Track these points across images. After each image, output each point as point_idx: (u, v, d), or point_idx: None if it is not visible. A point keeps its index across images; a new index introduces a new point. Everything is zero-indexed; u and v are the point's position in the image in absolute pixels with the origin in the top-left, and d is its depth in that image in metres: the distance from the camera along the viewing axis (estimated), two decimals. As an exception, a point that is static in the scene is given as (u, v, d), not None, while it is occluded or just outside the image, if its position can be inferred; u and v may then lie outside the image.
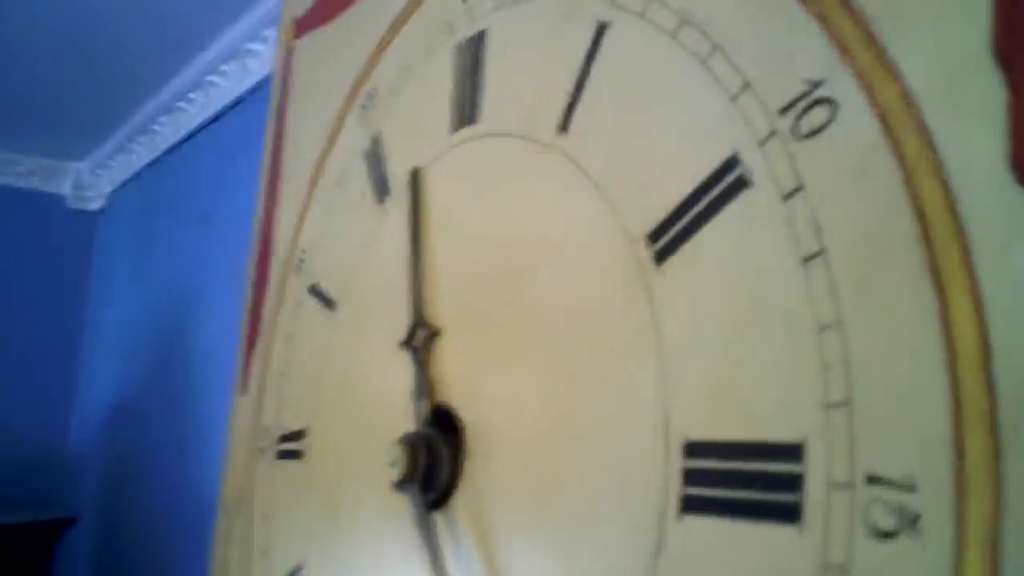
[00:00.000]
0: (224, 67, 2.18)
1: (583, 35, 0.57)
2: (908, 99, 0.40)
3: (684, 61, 0.50)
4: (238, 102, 2.17)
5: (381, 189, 0.74)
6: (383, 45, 0.77)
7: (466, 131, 0.65)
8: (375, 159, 0.75)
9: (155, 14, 1.98)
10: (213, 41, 2.15)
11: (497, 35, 0.64)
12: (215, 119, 2.27)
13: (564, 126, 0.57)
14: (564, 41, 0.58)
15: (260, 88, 2.06)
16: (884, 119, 0.41)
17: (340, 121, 0.82)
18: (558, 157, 0.56)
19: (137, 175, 2.68)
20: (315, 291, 0.82)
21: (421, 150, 0.70)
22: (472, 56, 0.66)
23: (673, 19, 0.51)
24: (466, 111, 0.65)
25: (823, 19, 0.44)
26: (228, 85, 2.21)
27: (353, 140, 0.80)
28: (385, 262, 0.72)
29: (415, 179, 0.69)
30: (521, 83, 0.61)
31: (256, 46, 2.06)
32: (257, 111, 2.04)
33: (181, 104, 2.38)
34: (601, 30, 0.56)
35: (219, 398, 1.87)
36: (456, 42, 0.68)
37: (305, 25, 0.92)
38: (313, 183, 0.86)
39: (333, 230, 0.81)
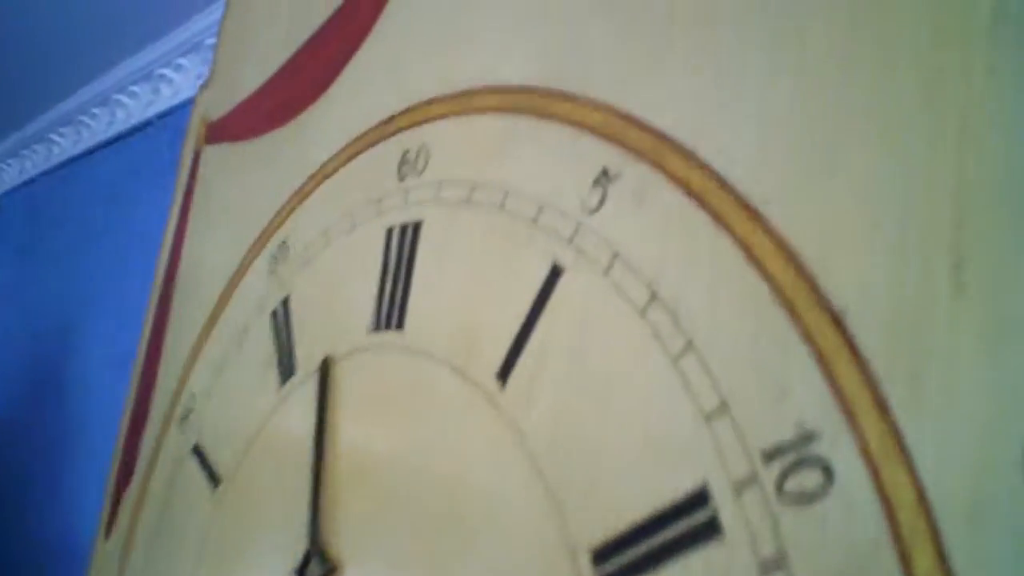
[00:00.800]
0: (134, 88, 2.05)
1: (533, 271, 0.49)
2: (923, 498, 0.33)
3: (651, 350, 0.43)
4: (145, 126, 2.05)
5: (286, 366, 0.65)
6: (302, 194, 0.68)
7: (390, 336, 0.57)
8: (282, 327, 0.66)
9: (67, 21, 1.85)
10: (125, 59, 2.02)
11: (434, 232, 0.56)
12: (118, 139, 2.13)
13: (503, 376, 0.49)
14: (510, 269, 0.51)
15: (170, 115, 1.96)
16: (891, 513, 0.34)
17: (247, 264, 0.73)
18: (494, 415, 0.49)
19: (29, 182, 2.51)
20: (199, 454, 0.72)
21: (335, 337, 0.61)
22: (403, 249, 0.58)
23: (643, 293, 0.44)
24: (392, 312, 0.57)
25: (823, 362, 0.37)
26: (136, 107, 2.09)
27: (260, 292, 0.70)
28: (281, 455, 0.63)
29: (325, 371, 0.60)
30: (458, 301, 0.53)
31: (169, 72, 1.95)
32: (164, 139, 1.92)
33: (83, 118, 2.23)
34: (556, 273, 0.48)
35: (96, 436, 1.74)
36: (386, 224, 0.59)
37: (217, 133, 0.82)
38: (212, 322, 0.76)
39: (228, 388, 0.71)
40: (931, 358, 0.35)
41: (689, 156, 0.44)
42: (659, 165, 0.45)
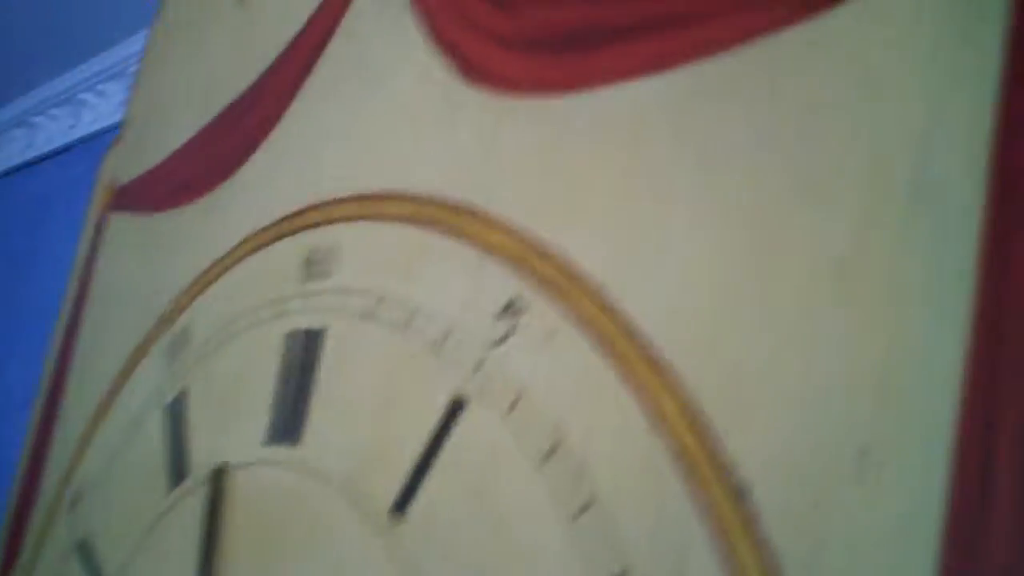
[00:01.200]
0: (54, 111, 1.99)
1: (436, 401, 0.47)
2: None
3: (550, 505, 0.41)
4: (65, 149, 1.99)
5: (178, 468, 0.61)
6: (204, 281, 0.65)
7: (286, 451, 0.54)
8: (177, 424, 0.63)
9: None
10: (46, 82, 1.95)
11: (336, 344, 0.53)
12: (36, 162, 2.06)
13: (400, 509, 0.46)
14: (413, 396, 0.48)
15: (92, 140, 1.90)
16: None
17: (145, 347, 0.69)
18: (387, 553, 0.46)
19: (-55, 200, 2.40)
20: (85, 550, 0.67)
21: (230, 444, 0.58)
22: (304, 357, 0.55)
23: (546, 440, 0.42)
24: (288, 424, 0.54)
25: (724, 539, 0.35)
26: (56, 129, 2.02)
27: (156, 381, 0.67)
28: (168, 565, 0.59)
29: (217, 482, 0.57)
30: (357, 425, 0.50)
31: (91, 97, 1.89)
32: (84, 164, 1.86)
33: (0, 139, 2.15)
34: (458, 405, 0.46)
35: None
36: (288, 327, 0.57)
37: (123, 201, 0.78)
38: (106, 403, 0.71)
39: (119, 481, 0.67)
40: (832, 544, 0.33)
41: (599, 297, 0.42)
42: (568, 303, 0.43)
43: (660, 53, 0.41)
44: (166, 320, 0.67)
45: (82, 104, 1.91)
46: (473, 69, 0.50)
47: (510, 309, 0.45)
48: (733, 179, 0.38)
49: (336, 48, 0.59)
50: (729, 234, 0.38)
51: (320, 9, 0.60)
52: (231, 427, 0.58)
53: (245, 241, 0.63)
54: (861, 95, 0.35)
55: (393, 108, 0.55)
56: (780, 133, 0.37)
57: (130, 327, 0.71)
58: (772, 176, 0.37)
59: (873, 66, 0.35)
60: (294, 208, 0.60)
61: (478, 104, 0.50)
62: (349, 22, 0.58)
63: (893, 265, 0.33)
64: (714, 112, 0.39)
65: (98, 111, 1.91)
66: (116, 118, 1.75)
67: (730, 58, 0.39)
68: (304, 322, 0.56)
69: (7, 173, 2.13)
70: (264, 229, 0.62)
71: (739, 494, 0.35)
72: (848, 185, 0.35)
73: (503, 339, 0.45)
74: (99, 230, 0.81)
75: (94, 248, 0.81)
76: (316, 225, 0.57)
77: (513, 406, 0.43)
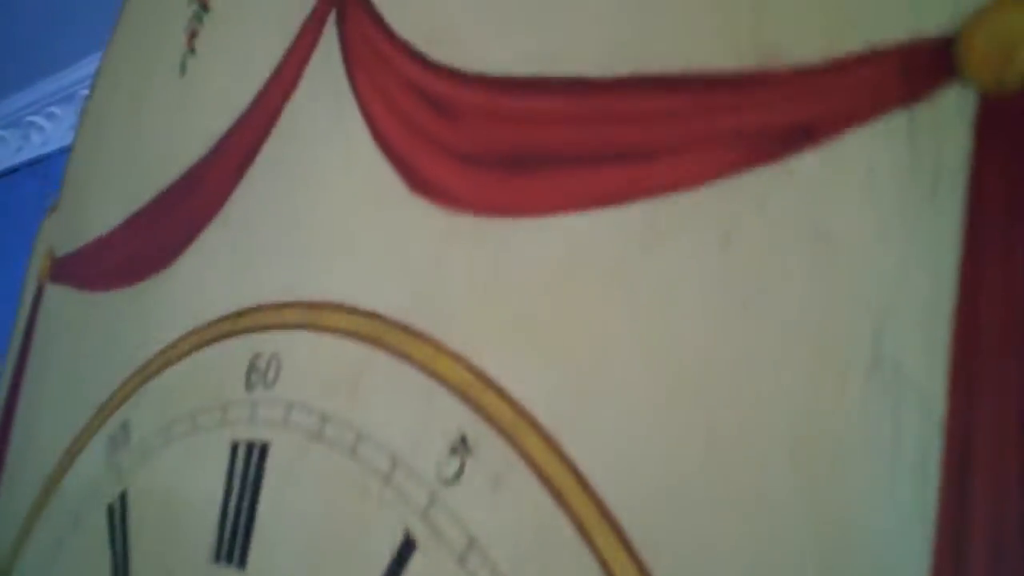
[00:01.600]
0: (2, 133, 1.94)
1: (385, 539, 0.44)
2: None
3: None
4: (12, 172, 1.94)
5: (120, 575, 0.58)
6: (145, 374, 0.62)
7: (231, 574, 0.51)
8: (119, 530, 0.60)
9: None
10: (-8, 103, 1.90)
11: (281, 463, 0.51)
12: (-17, 184, 2.01)
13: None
14: (361, 531, 0.46)
15: (42, 163, 1.86)
16: None
17: (85, 437, 0.66)
18: None
19: None
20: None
21: (174, 557, 0.55)
22: (248, 473, 0.52)
23: (498, 596, 0.40)
24: (234, 544, 0.52)
25: None
26: (4, 152, 1.97)
27: (97, 477, 0.64)
28: None
29: (161, 599, 0.54)
30: (304, 556, 0.48)
31: (40, 120, 1.85)
32: (32, 187, 1.82)
33: (-54, 158, 2.08)
34: (408, 546, 0.44)
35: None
36: (232, 437, 0.54)
37: (62, 274, 0.75)
38: (45, 495, 0.68)
39: (59, 582, 0.64)
40: None
41: (549, 440, 0.40)
42: (520, 445, 0.41)
43: (604, 188, 0.39)
44: (107, 410, 0.65)
45: (31, 126, 1.87)
46: (419, 179, 0.47)
47: (460, 446, 0.43)
48: (676, 336, 0.36)
49: (276, 143, 0.56)
50: (673, 397, 0.36)
51: (259, 99, 0.57)
52: (174, 540, 0.55)
53: (186, 337, 0.60)
54: (815, 260, 0.33)
55: (335, 211, 0.52)
56: (729, 293, 0.35)
57: (68, 412, 0.68)
58: (719, 338, 0.35)
59: (827, 230, 0.33)
60: (234, 308, 0.57)
61: (424, 217, 0.47)
62: (290, 116, 0.56)
63: (848, 446, 0.31)
64: (659, 259, 0.37)
65: (47, 134, 1.87)
66: (66, 141, 1.71)
67: (678, 202, 0.37)
68: (248, 434, 0.53)
69: (-47, 194, 2.08)
70: (206, 326, 0.59)
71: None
72: (800, 356, 0.33)
73: (454, 478, 0.43)
74: (38, 298, 0.77)
75: (32, 318, 0.77)
76: (258, 329, 0.55)
77: (465, 554, 0.41)
